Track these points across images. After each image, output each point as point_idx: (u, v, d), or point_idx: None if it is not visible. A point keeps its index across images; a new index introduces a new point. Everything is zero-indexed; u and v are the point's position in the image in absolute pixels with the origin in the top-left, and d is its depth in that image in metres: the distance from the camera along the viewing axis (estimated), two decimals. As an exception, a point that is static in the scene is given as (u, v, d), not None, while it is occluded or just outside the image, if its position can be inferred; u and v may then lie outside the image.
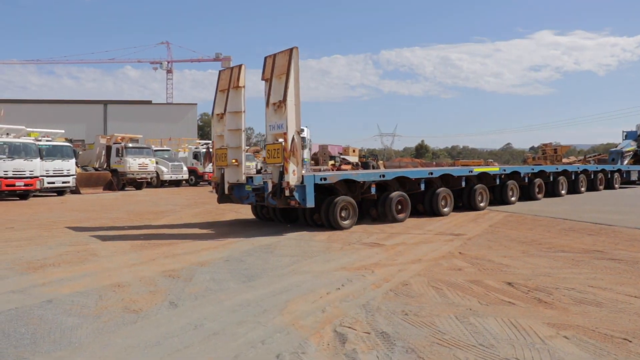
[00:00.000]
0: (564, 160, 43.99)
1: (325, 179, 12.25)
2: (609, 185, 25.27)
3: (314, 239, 10.86)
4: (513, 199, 18.06)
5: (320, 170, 38.22)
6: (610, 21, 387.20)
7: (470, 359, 4.28)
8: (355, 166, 48.52)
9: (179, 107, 76.83)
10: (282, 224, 13.35)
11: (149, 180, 33.12)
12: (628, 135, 33.50)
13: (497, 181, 17.64)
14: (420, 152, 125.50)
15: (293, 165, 11.38)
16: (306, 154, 33.04)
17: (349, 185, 13.20)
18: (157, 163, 34.06)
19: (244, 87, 13.24)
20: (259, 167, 39.52)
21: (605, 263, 8.05)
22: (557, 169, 21.73)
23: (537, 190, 19.59)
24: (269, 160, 11.94)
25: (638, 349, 4.46)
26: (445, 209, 14.94)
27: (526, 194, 19.32)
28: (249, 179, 13.21)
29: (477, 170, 17.27)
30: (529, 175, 19.47)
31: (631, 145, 31.73)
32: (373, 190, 13.28)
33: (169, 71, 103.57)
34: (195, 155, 38.27)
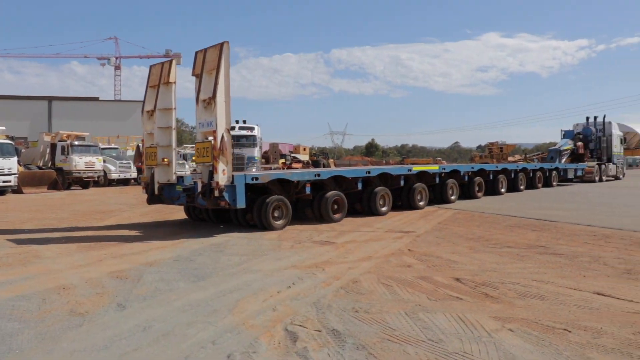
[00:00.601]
0: (510, 158, 45.07)
1: (256, 178, 11.95)
2: (547, 183, 25.88)
3: (264, 238, 10.83)
4: (453, 197, 18.02)
5: (271, 168, 38.12)
6: (553, 25, 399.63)
7: (419, 354, 4.35)
8: (306, 164, 48.53)
9: (128, 104, 75.00)
10: (215, 224, 13.10)
11: (96, 179, 32.35)
12: (566, 135, 34.46)
13: (437, 180, 17.59)
14: (371, 150, 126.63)
15: (223, 164, 11.05)
16: (257, 153, 32.87)
17: (283, 185, 12.93)
18: (104, 161, 33.30)
19: (174, 83, 12.88)
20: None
21: (548, 258, 8.31)
22: (496, 167, 21.93)
23: (477, 188, 19.70)
24: (198, 160, 11.67)
25: (577, 338, 4.63)
26: (384, 209, 14.77)
27: (466, 193, 19.45)
28: (180, 178, 12.91)
29: (416, 169, 17.17)
30: (469, 173, 19.56)
31: (568, 144, 32.54)
32: (308, 189, 13.06)
33: (117, 67, 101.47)
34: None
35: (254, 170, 29.61)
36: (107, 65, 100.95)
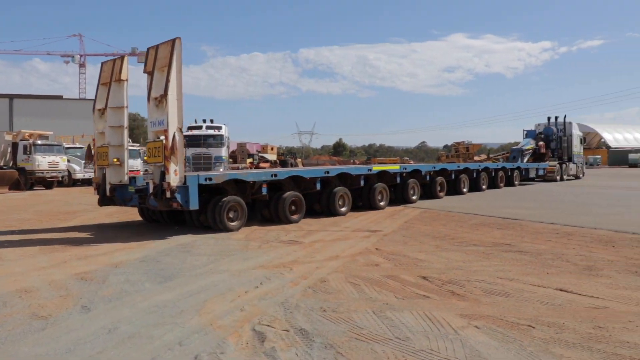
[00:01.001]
0: (476, 158, 45.73)
1: (210, 179, 11.58)
2: (509, 183, 25.85)
3: (231, 238, 10.78)
4: (414, 197, 17.82)
5: (238, 168, 37.92)
6: (518, 27, 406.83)
7: (387, 352, 4.38)
8: (273, 164, 48.44)
9: (93, 102, 73.69)
10: (169, 226, 12.81)
11: (60, 179, 31.76)
12: (528, 134, 34.83)
13: (398, 180, 17.38)
14: (338, 150, 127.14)
15: (174, 164, 10.73)
16: (224, 152, 32.66)
17: (238, 186, 12.60)
18: (68, 161, 32.68)
19: (126, 80, 12.51)
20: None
21: (513, 255, 8.45)
22: (458, 167, 21.87)
23: (439, 188, 19.57)
24: (149, 160, 11.35)
25: (541, 334, 4.73)
26: (343, 209, 14.54)
27: (428, 193, 19.32)
28: (132, 179, 12.59)
29: (377, 168, 17.04)
30: (431, 173, 19.40)
31: (530, 144, 32.93)
32: (264, 190, 12.77)
33: (82, 65, 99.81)
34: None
35: (221, 169, 29.42)
36: (71, 63, 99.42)
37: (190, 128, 33.12)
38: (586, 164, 59.38)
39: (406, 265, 7.83)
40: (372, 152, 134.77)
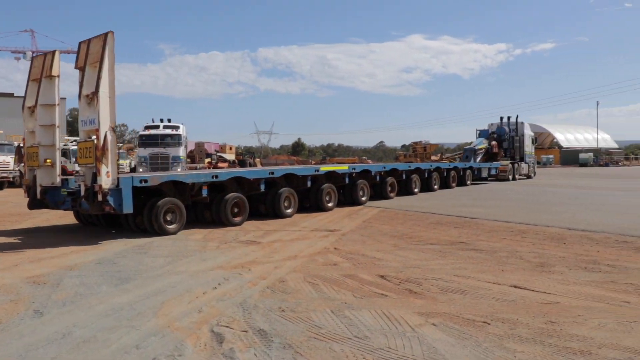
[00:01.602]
0: (433, 157, 46.31)
1: (146, 181, 11.05)
2: (462, 182, 25.93)
3: (189, 238, 10.67)
4: (364, 198, 17.44)
5: (196, 168, 37.56)
6: (474, 29, 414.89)
7: (345, 351, 4.40)
8: (232, 164, 48.13)
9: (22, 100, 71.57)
10: (106, 229, 12.32)
11: (12, 179, 30.91)
12: (481, 134, 35.20)
13: (347, 180, 16.98)
14: (297, 149, 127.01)
15: (106, 166, 10.20)
16: (182, 152, 32.31)
17: (177, 188, 12.13)
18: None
19: (58, 76, 11.96)
20: (132, 166, 38.20)
21: (469, 253, 8.60)
22: (409, 166, 21.67)
23: (389, 189, 19.31)
24: (80, 161, 10.75)
25: (495, 330, 4.83)
26: (289, 210, 14.19)
27: (378, 193, 19.08)
28: (65, 181, 12.04)
29: (324, 169, 16.56)
30: (381, 173, 19.17)
31: (483, 143, 33.22)
32: (205, 192, 12.37)
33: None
34: (64, 153, 36.25)
35: (179, 169, 29.09)
36: (22, 60, 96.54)
37: (147, 127, 32.70)
38: (539, 163, 60.89)
39: (364, 265, 7.88)
40: (330, 152, 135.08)
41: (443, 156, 45.86)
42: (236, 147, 67.08)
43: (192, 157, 44.56)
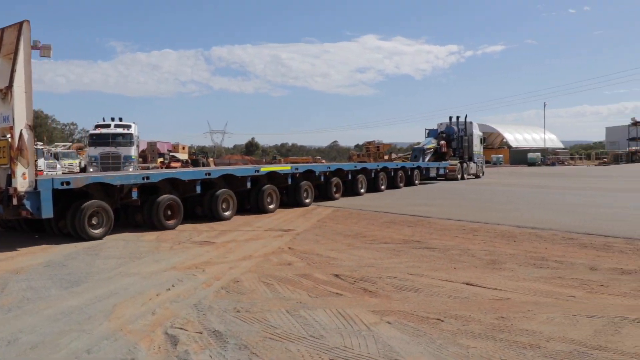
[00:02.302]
0: (386, 157, 46.65)
1: (68, 183, 10.35)
2: (410, 182, 25.50)
3: (142, 239, 10.49)
4: (307, 200, 16.89)
5: (149, 167, 36.95)
6: (426, 31, 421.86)
7: (301, 351, 4.40)
8: (185, 164, 47.53)
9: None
10: (29, 234, 11.56)
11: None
12: (430, 134, 35.07)
13: (290, 181, 16.41)
14: (251, 149, 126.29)
15: (22, 167, 9.50)
16: (133, 152, 31.72)
17: (106, 190, 11.47)
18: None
19: None
20: (82, 165, 37.32)
21: (422, 252, 8.71)
22: (355, 166, 21.20)
23: (334, 189, 18.71)
24: None
25: (449, 326, 4.91)
26: (227, 213, 13.63)
27: (323, 194, 18.48)
28: None
29: (265, 169, 15.99)
30: (326, 173, 18.53)
31: (432, 143, 33.04)
32: (135, 194, 11.65)
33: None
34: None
35: (130, 169, 28.55)
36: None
37: (98, 126, 31.99)
38: (490, 163, 62.16)
39: (319, 264, 7.89)
40: (284, 152, 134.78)
41: (391, 156, 46.15)
42: (189, 147, 66.32)
43: (144, 156, 43.88)
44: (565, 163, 77.80)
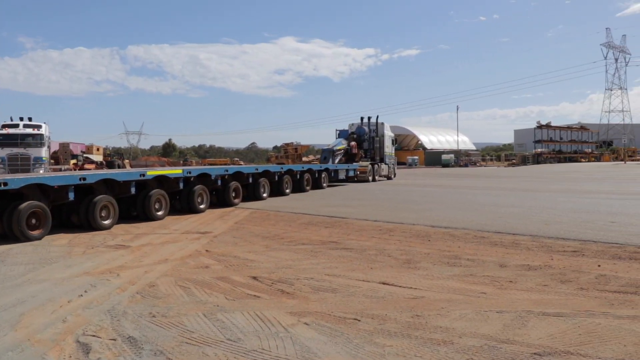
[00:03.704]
0: (304, 158, 46.94)
1: (6, 184, 10.19)
2: (317, 185, 25.02)
3: (53, 244, 10.07)
4: (202, 206, 15.88)
5: (61, 169, 35.49)
6: (344, 34, 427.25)
7: (218, 355, 4.36)
8: (99, 165, 46.01)
9: None
10: None
11: None
12: (340, 134, 34.46)
13: (182, 185, 15.48)
14: (168, 150, 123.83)
15: None
16: (44, 153, 30.38)
17: (42, 190, 11.32)
18: None
19: None
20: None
21: (340, 252, 8.82)
22: (257, 169, 20.56)
23: (233, 194, 17.69)
24: None
25: (366, 326, 4.99)
26: (107, 222, 12.31)
27: (222, 199, 17.58)
28: None
29: (152, 173, 14.82)
30: (224, 177, 17.73)
31: (342, 144, 32.46)
32: (71, 195, 11.69)
33: None
34: None
35: (41, 171, 27.32)
36: None
37: (5, 126, 30.47)
38: (405, 164, 63.63)
39: (236, 266, 7.84)
40: (202, 153, 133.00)
41: (310, 157, 46.44)
42: (104, 148, 64.16)
43: (56, 158, 42.20)
44: (477, 164, 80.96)
